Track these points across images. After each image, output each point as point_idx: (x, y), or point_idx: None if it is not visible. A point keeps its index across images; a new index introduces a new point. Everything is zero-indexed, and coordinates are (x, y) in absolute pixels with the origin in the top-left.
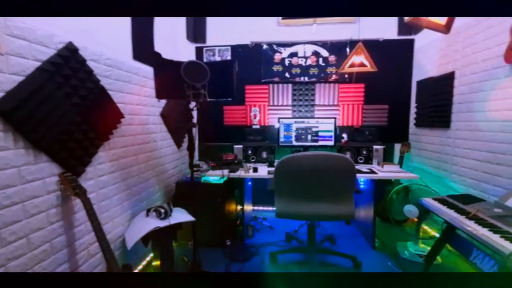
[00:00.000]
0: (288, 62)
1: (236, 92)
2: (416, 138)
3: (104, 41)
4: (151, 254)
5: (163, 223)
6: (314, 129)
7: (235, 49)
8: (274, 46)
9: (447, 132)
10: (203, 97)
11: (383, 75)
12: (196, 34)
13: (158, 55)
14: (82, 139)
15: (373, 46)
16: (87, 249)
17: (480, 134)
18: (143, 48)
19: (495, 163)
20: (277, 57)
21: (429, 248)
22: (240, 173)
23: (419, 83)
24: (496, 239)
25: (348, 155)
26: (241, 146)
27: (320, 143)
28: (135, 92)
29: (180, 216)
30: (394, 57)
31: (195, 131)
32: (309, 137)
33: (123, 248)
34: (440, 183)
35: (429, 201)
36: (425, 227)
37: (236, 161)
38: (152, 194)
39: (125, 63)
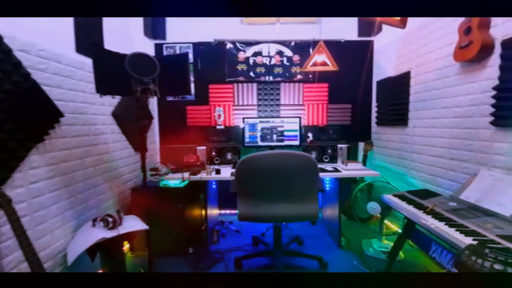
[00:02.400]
0: (253, 61)
1: (200, 91)
2: (377, 136)
3: (38, 30)
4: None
5: (110, 234)
6: (279, 129)
7: (197, 46)
8: (238, 45)
9: (405, 129)
10: (153, 93)
11: (345, 75)
12: (155, 30)
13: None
14: (6, 140)
15: (335, 47)
16: (17, 267)
17: (434, 130)
18: (89, 40)
19: (449, 158)
20: (241, 56)
21: (392, 244)
22: (202, 175)
23: (379, 83)
24: (452, 233)
25: (313, 155)
26: (204, 147)
27: (286, 142)
28: (79, 89)
29: (132, 224)
30: (355, 57)
31: (156, 131)
32: (275, 137)
33: (66, 264)
34: (400, 180)
35: (389, 198)
36: (388, 223)
37: (198, 163)
38: (102, 201)
39: (65, 56)
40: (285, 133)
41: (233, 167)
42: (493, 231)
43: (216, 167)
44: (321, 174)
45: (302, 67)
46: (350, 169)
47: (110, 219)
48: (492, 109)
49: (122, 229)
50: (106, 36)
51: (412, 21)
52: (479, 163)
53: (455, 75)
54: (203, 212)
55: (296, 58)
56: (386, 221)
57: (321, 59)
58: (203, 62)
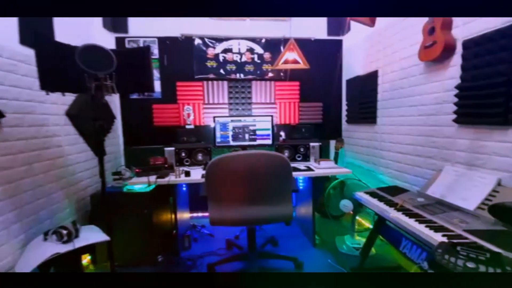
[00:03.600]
0: (223, 58)
1: (167, 89)
2: (348, 134)
3: None
4: None
5: (65, 248)
6: (251, 128)
7: (162, 41)
8: (207, 40)
9: (374, 127)
10: (110, 90)
11: (316, 74)
12: (116, 22)
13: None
14: None
15: (305, 45)
16: None
17: (401, 128)
18: (36, 31)
19: (415, 155)
20: (211, 52)
21: (364, 240)
22: (170, 178)
23: (348, 81)
24: (422, 229)
25: (286, 153)
26: (173, 148)
27: (258, 141)
28: (24, 85)
29: (90, 236)
30: (325, 56)
31: (120, 132)
32: (247, 136)
33: None
34: (371, 177)
35: (361, 195)
36: (360, 220)
37: (166, 166)
38: (57, 211)
39: (6, 48)
40: (258, 132)
41: (204, 169)
42: (460, 225)
43: (186, 168)
44: (295, 173)
45: (273, 65)
46: (322, 168)
47: (65, 232)
48: (454, 107)
49: (79, 242)
50: (58, 27)
51: (379, 21)
52: (443, 159)
53: (420, 74)
54: (173, 216)
55: (267, 55)
56: (358, 218)
57: (292, 57)
58: (169, 58)
